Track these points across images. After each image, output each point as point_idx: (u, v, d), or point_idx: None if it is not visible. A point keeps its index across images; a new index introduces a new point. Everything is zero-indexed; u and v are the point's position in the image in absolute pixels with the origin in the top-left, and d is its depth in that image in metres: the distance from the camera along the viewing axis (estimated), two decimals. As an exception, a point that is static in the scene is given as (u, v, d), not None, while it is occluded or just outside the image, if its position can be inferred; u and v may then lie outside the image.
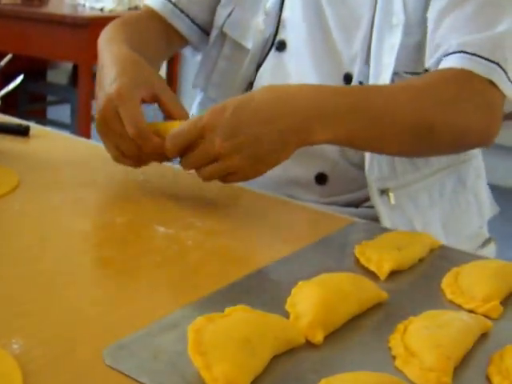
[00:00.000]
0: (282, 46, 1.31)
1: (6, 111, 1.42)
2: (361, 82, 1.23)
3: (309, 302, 0.78)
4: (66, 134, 1.57)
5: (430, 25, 1.18)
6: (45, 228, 0.98)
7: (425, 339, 0.73)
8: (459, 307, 0.84)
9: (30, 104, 4.57)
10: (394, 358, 0.73)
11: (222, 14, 1.37)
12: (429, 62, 1.18)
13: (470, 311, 0.83)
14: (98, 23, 3.44)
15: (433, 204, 1.29)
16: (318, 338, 0.74)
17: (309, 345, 0.74)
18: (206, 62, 1.41)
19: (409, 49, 1.20)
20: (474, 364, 0.74)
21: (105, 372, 0.67)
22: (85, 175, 1.17)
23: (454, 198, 1.33)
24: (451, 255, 0.99)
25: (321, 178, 1.29)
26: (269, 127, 1.00)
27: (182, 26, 1.39)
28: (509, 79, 1.13)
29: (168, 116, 1.12)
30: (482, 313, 0.82)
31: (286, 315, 0.77)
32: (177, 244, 0.96)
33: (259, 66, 1.32)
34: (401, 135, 1.09)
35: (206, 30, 1.41)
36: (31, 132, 1.38)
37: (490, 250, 1.41)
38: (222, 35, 1.37)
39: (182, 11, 1.38)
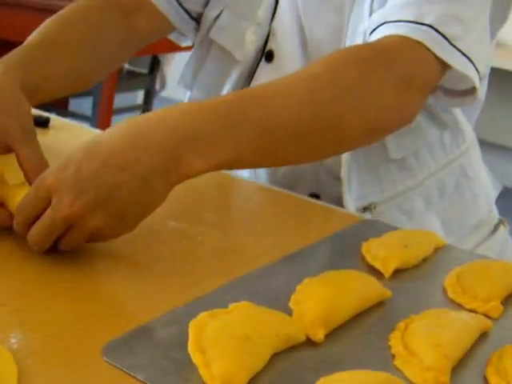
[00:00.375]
0: (270, 56, 1.24)
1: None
2: None
3: (311, 300, 0.78)
4: (85, 127, 1.57)
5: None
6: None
7: (424, 338, 0.73)
8: (460, 307, 0.84)
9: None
10: (393, 356, 0.73)
11: (209, 16, 1.28)
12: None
13: (471, 311, 0.82)
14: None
15: (430, 207, 1.25)
16: (319, 335, 0.75)
17: (309, 342, 0.74)
18: (194, 60, 1.35)
19: None
20: (473, 364, 0.74)
21: (103, 368, 0.67)
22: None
23: (457, 193, 1.28)
24: (455, 254, 0.99)
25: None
26: (126, 174, 0.81)
27: (170, 10, 1.28)
28: (452, 44, 0.99)
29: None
30: (483, 312, 0.82)
31: (290, 312, 0.78)
32: (186, 238, 0.96)
33: (251, 74, 1.26)
34: (301, 141, 0.92)
35: (193, 17, 1.31)
36: (51, 123, 1.39)
37: (502, 233, 1.34)
38: (209, 39, 1.30)
39: None
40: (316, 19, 1.19)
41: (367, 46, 1.01)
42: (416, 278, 0.91)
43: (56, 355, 0.69)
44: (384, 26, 1.01)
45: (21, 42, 1.08)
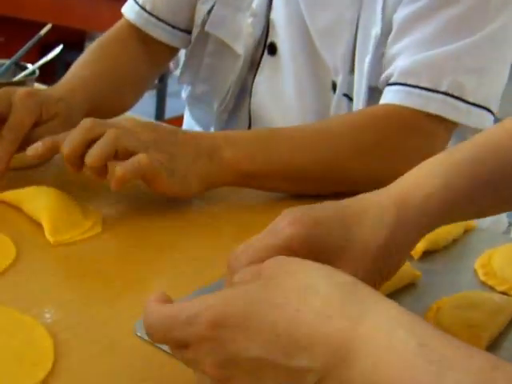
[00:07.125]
0: (273, 49, 1.22)
1: (44, 81, 1.42)
2: (345, 94, 1.15)
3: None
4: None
5: (391, 34, 1.09)
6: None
7: (457, 319, 0.73)
8: (492, 289, 0.83)
9: (68, 74, 4.58)
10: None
11: (201, 10, 1.26)
12: (380, 78, 1.10)
13: (503, 293, 0.82)
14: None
15: None
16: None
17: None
18: (192, 59, 1.33)
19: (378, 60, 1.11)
20: (506, 345, 0.73)
21: (135, 343, 0.68)
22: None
23: None
24: (485, 237, 0.97)
25: None
26: None
27: (163, 34, 1.30)
28: (468, 102, 1.04)
29: None
30: (515, 294, 0.82)
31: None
32: (211, 218, 0.96)
33: (253, 68, 1.25)
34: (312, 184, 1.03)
35: (189, 31, 1.32)
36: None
37: None
38: (204, 34, 1.28)
39: (158, 19, 1.29)
40: (319, 3, 1.16)
41: (385, 115, 1.05)
42: (446, 259, 0.90)
43: (89, 330, 0.69)
44: (400, 88, 1.05)
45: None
